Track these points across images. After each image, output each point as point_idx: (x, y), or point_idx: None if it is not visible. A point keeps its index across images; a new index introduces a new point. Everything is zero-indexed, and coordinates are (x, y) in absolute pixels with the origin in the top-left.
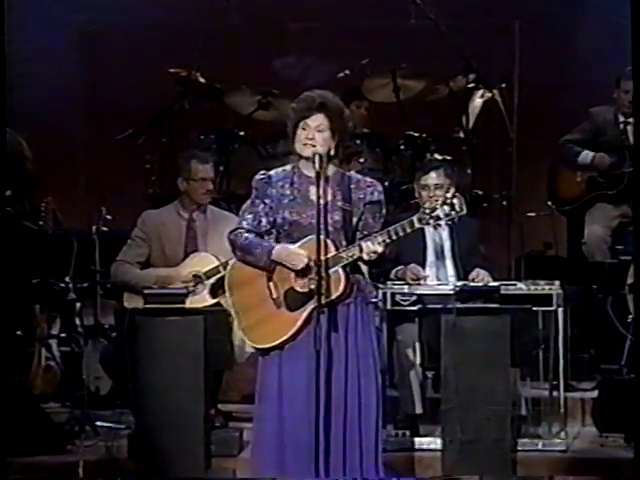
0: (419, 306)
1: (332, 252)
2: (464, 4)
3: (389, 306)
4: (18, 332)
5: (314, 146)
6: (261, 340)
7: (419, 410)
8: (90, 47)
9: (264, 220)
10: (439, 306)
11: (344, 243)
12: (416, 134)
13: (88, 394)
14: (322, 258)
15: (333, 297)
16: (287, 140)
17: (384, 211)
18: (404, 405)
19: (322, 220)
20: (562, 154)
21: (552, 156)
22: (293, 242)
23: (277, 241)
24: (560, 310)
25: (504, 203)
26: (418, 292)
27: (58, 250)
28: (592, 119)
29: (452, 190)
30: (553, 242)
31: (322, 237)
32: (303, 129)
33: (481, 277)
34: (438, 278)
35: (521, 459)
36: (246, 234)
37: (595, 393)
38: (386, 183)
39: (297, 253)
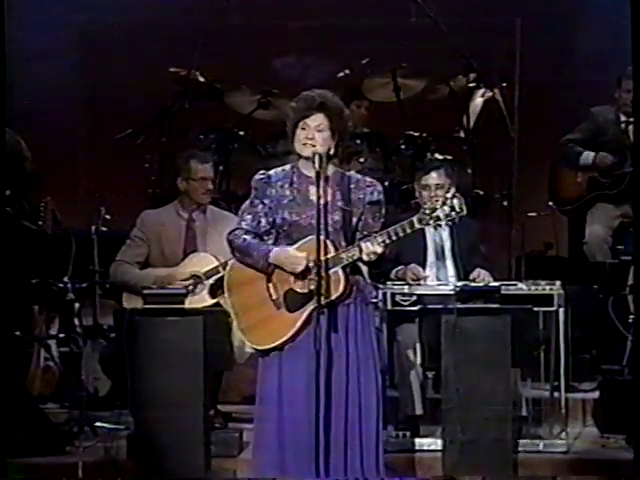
0: (419, 306)
1: (332, 253)
2: (464, 3)
3: (389, 306)
4: (17, 332)
5: (314, 146)
6: (261, 341)
7: (419, 411)
8: (90, 47)
9: (263, 220)
10: (439, 306)
11: (343, 243)
12: (416, 134)
13: (87, 395)
14: (322, 259)
15: (333, 298)
16: (287, 140)
17: (384, 211)
18: (404, 406)
19: (322, 220)
20: (563, 154)
21: (553, 156)
22: (293, 243)
23: (276, 241)
24: (561, 310)
25: (505, 203)
26: (418, 292)
27: (57, 250)
28: (593, 119)
29: (453, 190)
30: (554, 242)
31: (322, 238)
32: (303, 129)
33: (482, 277)
34: (438, 278)
35: (522, 460)
36: (244, 235)
37: (596, 394)
38: (386, 183)
39: (295, 256)
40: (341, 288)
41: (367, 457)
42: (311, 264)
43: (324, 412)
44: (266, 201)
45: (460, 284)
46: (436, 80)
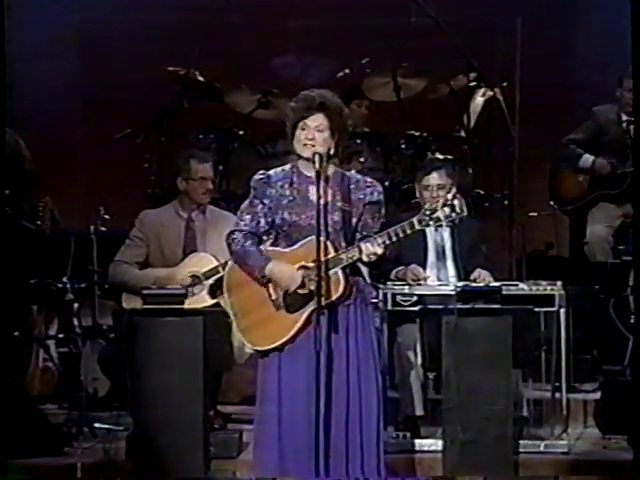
0: (420, 307)
1: (331, 253)
2: (465, 2)
3: (390, 307)
4: (16, 333)
5: (314, 146)
6: (260, 342)
7: (420, 412)
8: (90, 47)
9: (263, 221)
10: (440, 307)
11: (343, 244)
12: (417, 133)
13: (86, 395)
14: (322, 259)
15: (333, 298)
16: (287, 140)
17: (383, 211)
18: (405, 406)
19: (322, 221)
20: (563, 156)
21: (554, 155)
22: (292, 243)
23: (276, 242)
24: (562, 311)
25: (506, 203)
26: (419, 293)
27: (56, 250)
28: (595, 118)
29: (454, 190)
30: (555, 242)
31: (322, 238)
32: (302, 129)
33: (482, 277)
34: (439, 278)
35: (523, 461)
36: (243, 240)
37: (597, 394)
38: (386, 183)
39: (291, 274)
40: (341, 289)
41: (367, 458)
42: (311, 265)
43: (324, 413)
44: (266, 201)
45: (461, 284)
46: (436, 80)
